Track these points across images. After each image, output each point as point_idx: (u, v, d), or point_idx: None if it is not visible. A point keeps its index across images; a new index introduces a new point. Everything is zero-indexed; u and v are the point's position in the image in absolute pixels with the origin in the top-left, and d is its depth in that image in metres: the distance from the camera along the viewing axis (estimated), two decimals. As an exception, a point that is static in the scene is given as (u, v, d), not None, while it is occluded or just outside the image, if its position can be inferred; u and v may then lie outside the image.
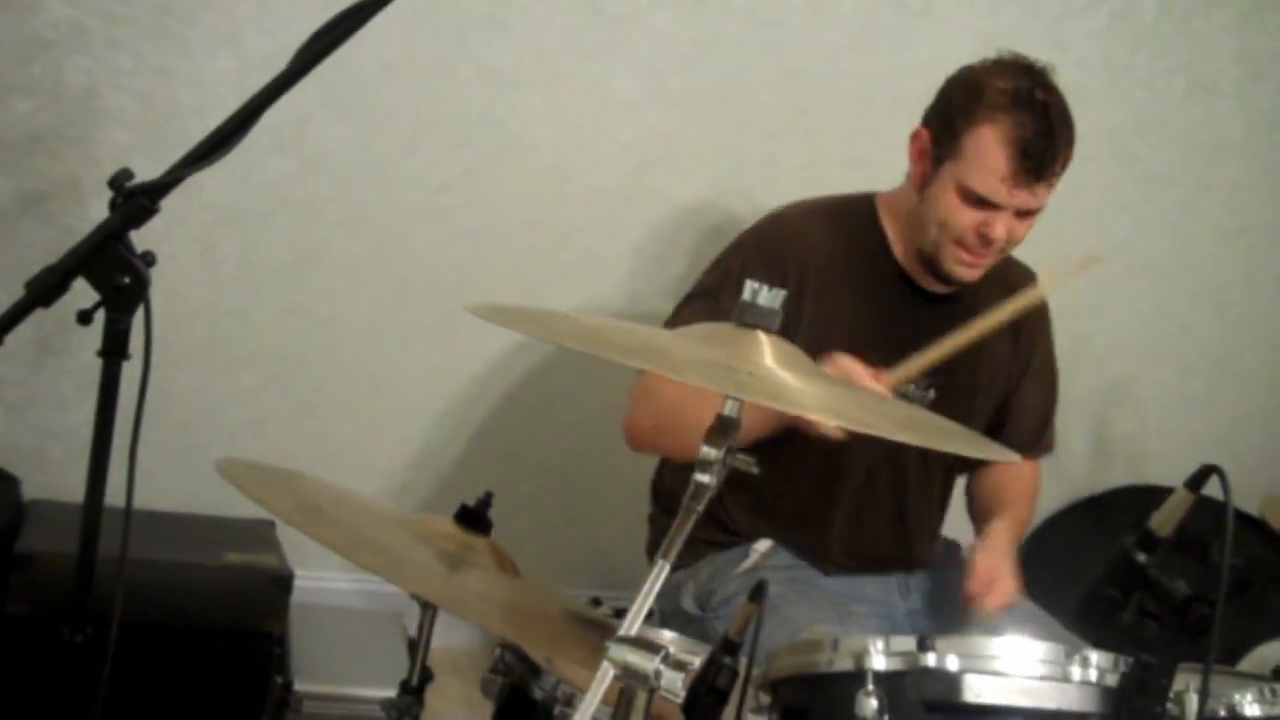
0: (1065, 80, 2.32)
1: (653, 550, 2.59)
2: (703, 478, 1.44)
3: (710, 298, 2.39)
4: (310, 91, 2.82)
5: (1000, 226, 2.28)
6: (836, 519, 2.48)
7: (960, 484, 2.68)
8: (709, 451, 1.43)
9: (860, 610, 2.39)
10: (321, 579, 2.99)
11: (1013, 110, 2.23)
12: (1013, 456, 1.53)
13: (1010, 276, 2.50)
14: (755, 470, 1.47)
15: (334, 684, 2.73)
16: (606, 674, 1.32)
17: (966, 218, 2.29)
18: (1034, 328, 2.62)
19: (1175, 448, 3.56)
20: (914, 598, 2.53)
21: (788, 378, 1.41)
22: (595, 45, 3.03)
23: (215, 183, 2.82)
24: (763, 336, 1.46)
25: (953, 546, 2.65)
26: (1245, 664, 3.02)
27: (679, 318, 2.38)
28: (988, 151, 2.24)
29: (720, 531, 2.47)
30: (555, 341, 1.45)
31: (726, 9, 3.08)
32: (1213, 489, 1.61)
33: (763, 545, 2.43)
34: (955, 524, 2.66)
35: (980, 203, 2.27)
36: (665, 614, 2.54)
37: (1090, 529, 3.55)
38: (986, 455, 1.54)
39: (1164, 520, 1.57)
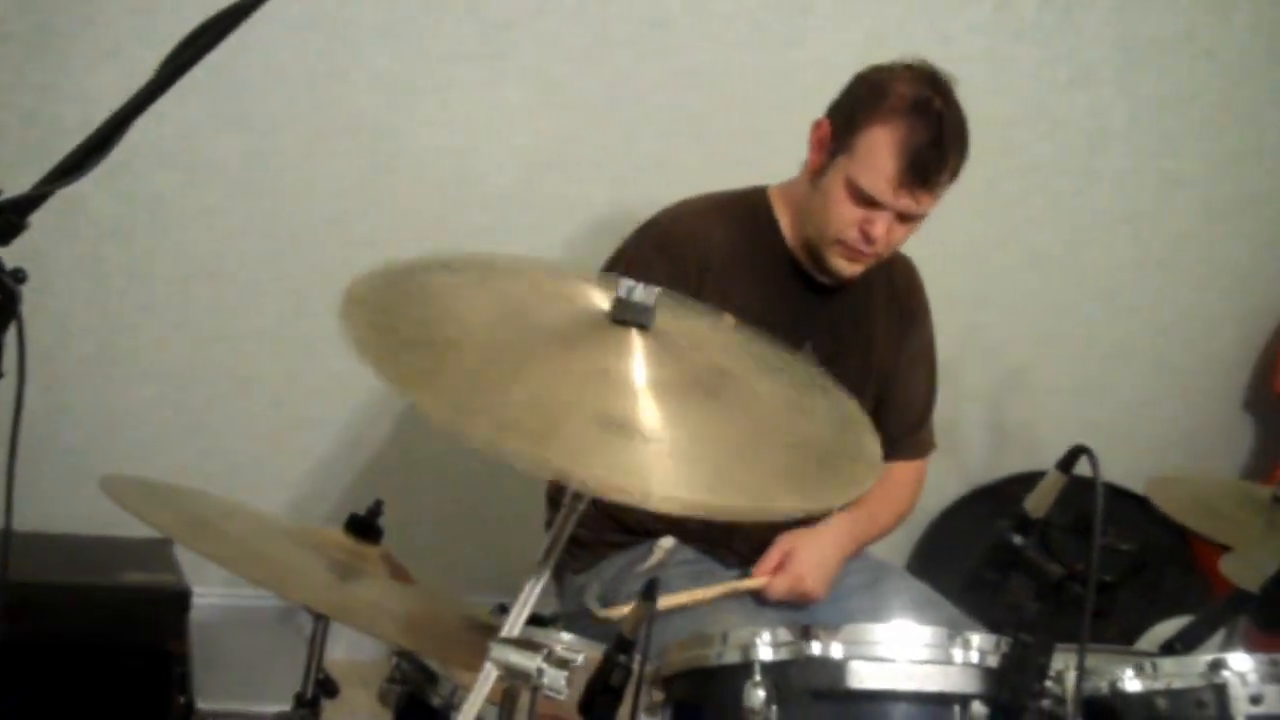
0: (950, 73, 2.37)
1: (557, 554, 2.60)
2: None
3: None
4: (197, 103, 2.85)
5: (881, 225, 2.33)
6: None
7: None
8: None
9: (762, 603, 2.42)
10: (223, 595, 2.95)
11: (909, 116, 2.29)
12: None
13: (893, 267, 2.56)
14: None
15: (237, 701, 2.72)
16: (489, 675, 1.33)
17: (850, 213, 2.34)
18: (915, 308, 2.67)
19: (1070, 434, 3.53)
20: None
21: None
22: (485, 51, 3.03)
23: (101, 196, 2.80)
24: (636, 336, 1.48)
25: None
26: (1142, 643, 3.08)
27: None
28: (879, 152, 2.29)
29: (622, 532, 2.48)
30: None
31: (614, 13, 3.09)
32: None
33: (667, 542, 2.45)
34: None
35: (865, 200, 2.32)
36: (570, 616, 2.55)
37: (988, 517, 3.58)
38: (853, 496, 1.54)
39: (1038, 502, 1.60)
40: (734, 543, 2.50)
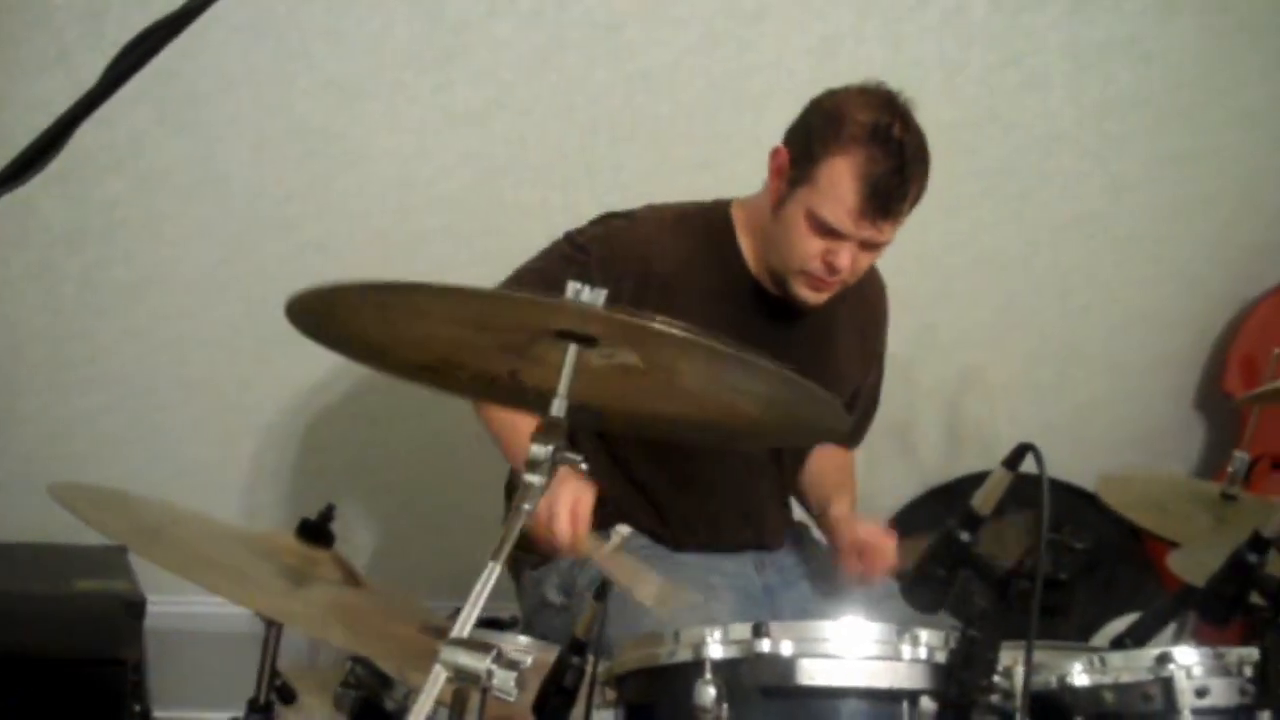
0: (902, 79, 2.37)
1: (513, 552, 2.60)
2: (533, 478, 1.46)
3: (541, 275, 2.43)
4: (146, 109, 2.84)
5: (845, 256, 2.32)
6: (685, 502, 2.52)
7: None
8: (538, 451, 1.45)
9: (718, 582, 2.42)
10: (179, 603, 2.93)
11: (868, 145, 2.26)
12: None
13: (864, 285, 2.53)
14: (583, 468, 1.49)
15: (193, 709, 2.70)
16: (439, 676, 1.33)
17: (813, 245, 2.32)
18: (877, 321, 2.69)
19: (1025, 434, 3.55)
20: (770, 575, 2.58)
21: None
22: (435, 55, 3.03)
23: (51, 203, 2.78)
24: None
25: (803, 529, 2.71)
26: (1097, 640, 3.11)
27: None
28: (839, 183, 2.27)
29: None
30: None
31: (567, 16, 3.09)
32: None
33: (624, 529, 2.45)
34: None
35: (827, 232, 2.31)
36: (529, 612, 2.56)
37: (945, 517, 3.61)
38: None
39: (984, 499, 1.61)
40: (682, 530, 2.51)
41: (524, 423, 1.97)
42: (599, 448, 2.46)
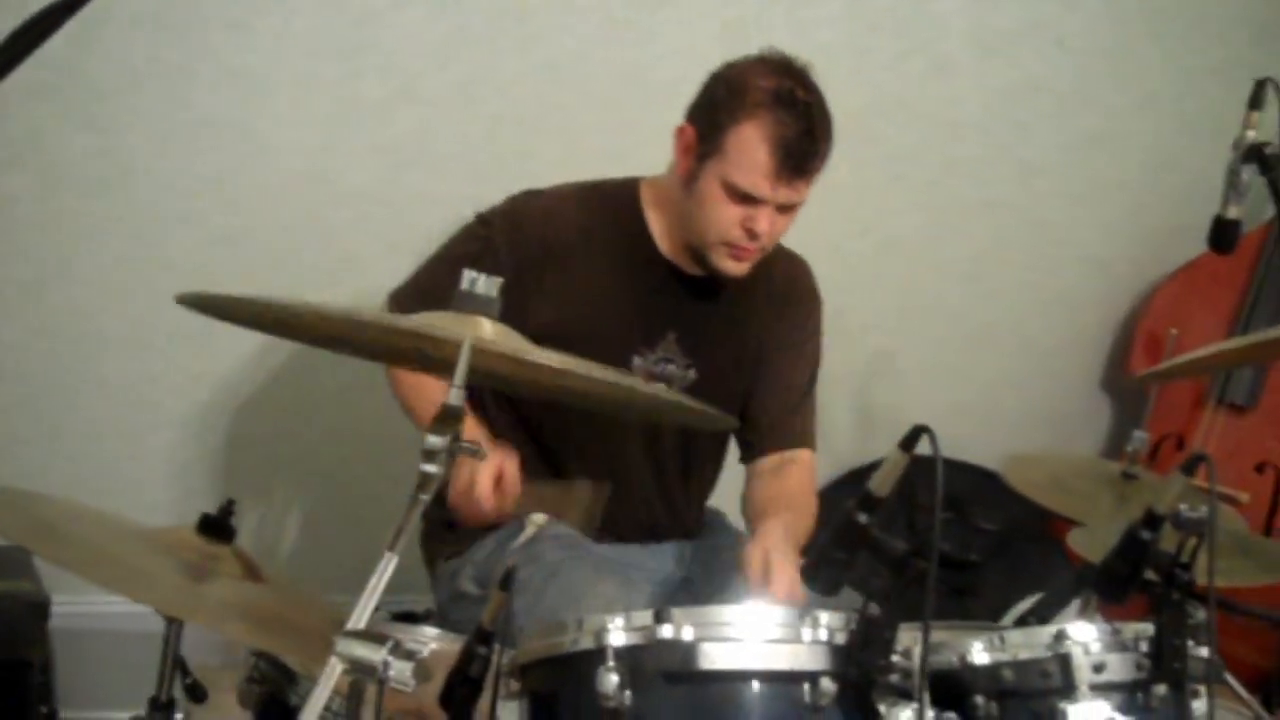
0: (804, 59, 2.39)
1: (427, 543, 2.60)
2: (429, 468, 1.46)
3: (450, 258, 2.45)
4: (46, 103, 2.79)
5: (764, 221, 2.34)
6: (601, 491, 2.51)
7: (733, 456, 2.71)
8: (434, 441, 1.45)
9: (636, 576, 2.45)
10: (85, 602, 2.89)
11: (774, 108, 2.30)
12: (732, 423, 1.58)
13: (774, 264, 2.56)
14: (481, 457, 1.49)
15: (100, 709, 2.67)
16: (334, 669, 1.32)
17: (731, 213, 2.35)
18: (795, 299, 2.67)
19: (935, 416, 3.57)
20: (688, 564, 2.59)
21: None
22: (341, 46, 3.00)
23: (-51, 201, 2.74)
24: (485, 323, 1.48)
25: (718, 515, 2.73)
26: (1006, 620, 3.15)
27: (417, 282, 2.49)
28: (751, 149, 2.30)
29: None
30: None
31: (472, 5, 3.08)
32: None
33: (539, 518, 2.45)
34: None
35: (744, 198, 2.33)
36: (444, 603, 2.56)
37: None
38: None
39: (881, 481, 1.62)
40: (611, 521, 2.51)
41: (431, 386, 1.97)
42: (524, 440, 2.46)
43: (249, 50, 2.94)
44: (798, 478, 2.60)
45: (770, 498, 2.52)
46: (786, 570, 2.15)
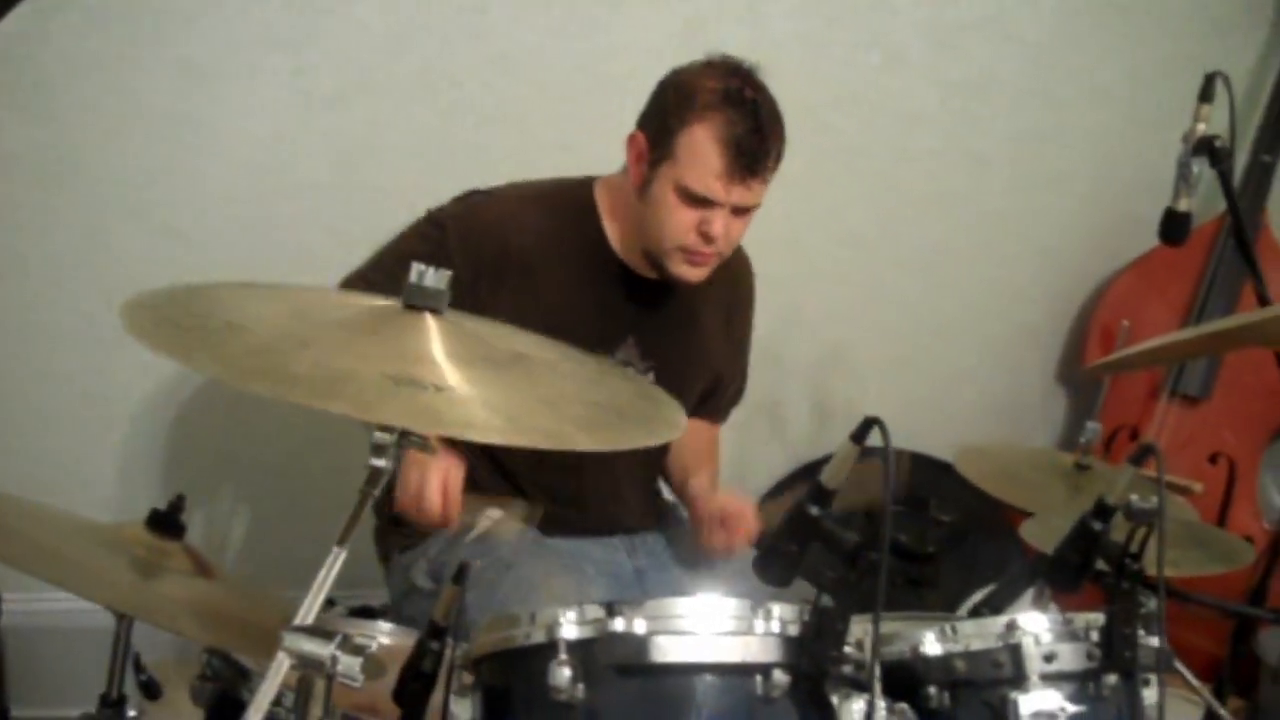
0: (764, 59, 2.39)
1: (381, 538, 2.59)
2: (378, 462, 1.45)
3: (398, 255, 2.44)
4: (-11, 94, 2.76)
5: (719, 223, 2.34)
6: (551, 486, 2.52)
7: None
8: (381, 436, 1.44)
9: (589, 570, 2.44)
10: (36, 600, 2.85)
11: (723, 109, 2.30)
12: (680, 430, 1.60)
13: (731, 262, 2.55)
14: (431, 451, 1.48)
15: (52, 707, 2.64)
16: (282, 664, 1.31)
17: (686, 217, 2.35)
18: (741, 298, 2.71)
19: (890, 409, 3.58)
20: (641, 557, 2.59)
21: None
22: (293, 37, 2.97)
23: (-105, 193, 2.70)
24: (430, 320, 1.47)
25: (673, 507, 2.72)
26: (962, 611, 3.16)
27: (366, 277, 2.46)
28: (702, 150, 2.30)
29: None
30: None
31: (427, -3, 3.06)
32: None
33: (494, 513, 2.45)
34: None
35: (698, 201, 2.33)
36: (397, 597, 2.55)
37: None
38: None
39: (833, 474, 1.62)
40: (550, 514, 2.51)
41: None
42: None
43: (200, 41, 2.91)
44: (710, 435, 2.79)
45: (689, 450, 2.69)
46: (748, 515, 2.42)
